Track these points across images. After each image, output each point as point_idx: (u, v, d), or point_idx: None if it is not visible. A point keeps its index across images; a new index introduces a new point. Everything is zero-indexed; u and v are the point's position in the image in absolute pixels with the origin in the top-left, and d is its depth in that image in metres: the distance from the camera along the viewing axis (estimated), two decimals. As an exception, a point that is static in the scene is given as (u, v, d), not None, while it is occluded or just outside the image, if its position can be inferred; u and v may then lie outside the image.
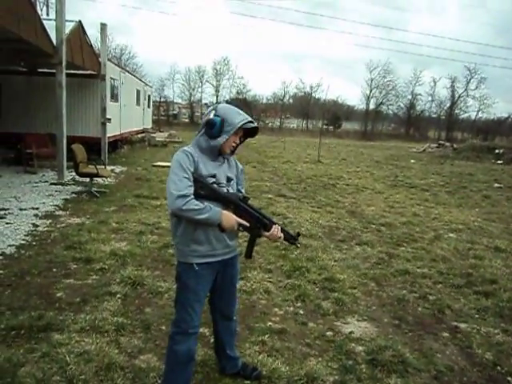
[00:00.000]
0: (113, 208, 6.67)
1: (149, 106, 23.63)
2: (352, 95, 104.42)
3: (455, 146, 26.65)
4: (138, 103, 18.63)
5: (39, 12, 8.71)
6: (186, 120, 46.16)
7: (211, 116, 2.10)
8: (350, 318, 3.44)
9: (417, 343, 3.12)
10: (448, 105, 49.80)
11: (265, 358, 2.72)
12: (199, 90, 48.13)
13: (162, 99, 46.06)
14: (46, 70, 10.95)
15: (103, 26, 11.70)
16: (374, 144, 36.20)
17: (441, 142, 31.23)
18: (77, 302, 3.38)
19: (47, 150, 10.11)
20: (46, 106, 10.88)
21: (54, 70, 8.72)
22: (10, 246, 4.61)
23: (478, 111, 49.19)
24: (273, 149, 21.84)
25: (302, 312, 3.49)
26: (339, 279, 4.14)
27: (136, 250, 4.64)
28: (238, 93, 47.23)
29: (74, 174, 8.25)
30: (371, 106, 50.96)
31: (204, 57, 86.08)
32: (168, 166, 2.10)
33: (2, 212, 5.95)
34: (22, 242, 4.79)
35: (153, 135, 20.67)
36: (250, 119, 2.16)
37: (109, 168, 9.81)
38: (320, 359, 2.80)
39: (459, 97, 49.07)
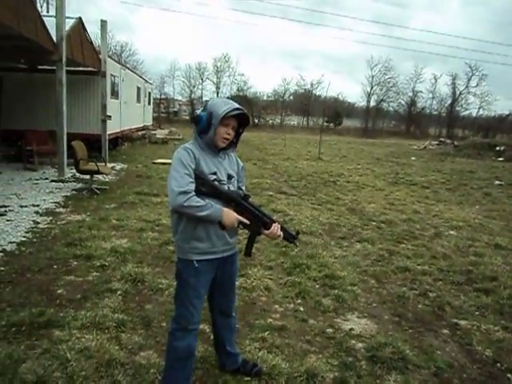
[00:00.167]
0: (113, 205, 6.68)
1: (149, 103, 23.62)
2: (353, 92, 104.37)
3: (456, 143, 26.63)
4: (138, 100, 18.61)
5: (39, 9, 8.68)
6: (187, 117, 46.06)
7: (198, 112, 2.12)
8: (350, 315, 3.45)
9: (417, 340, 3.12)
10: (449, 102, 49.75)
11: (265, 354, 2.73)
12: (200, 87, 48.18)
13: (163, 96, 46.12)
14: (46, 67, 10.91)
15: (103, 23, 11.68)
16: (374, 141, 36.17)
17: (441, 139, 31.19)
18: (77, 298, 3.39)
19: (48, 147, 10.12)
20: (47, 103, 10.86)
21: (54, 67, 8.71)
22: (10, 242, 4.61)
23: (478, 108, 49.18)
24: (273, 146, 21.83)
25: (302, 309, 3.50)
26: (339, 276, 4.14)
27: (136, 246, 4.65)
28: (238, 90, 47.21)
29: (74, 171, 8.25)
30: (372, 103, 50.97)
31: (204, 54, 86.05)
32: (168, 163, 2.10)
33: (3, 209, 5.96)
34: (23, 238, 4.79)
35: (153, 132, 20.69)
36: (235, 107, 2.09)
37: (109, 165, 9.81)
38: (320, 356, 2.81)
39: (460, 94, 49.02)
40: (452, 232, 6.38)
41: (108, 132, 11.94)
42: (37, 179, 8.52)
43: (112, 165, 10.66)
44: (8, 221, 5.42)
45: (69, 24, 9.19)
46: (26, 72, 11.82)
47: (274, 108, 49.59)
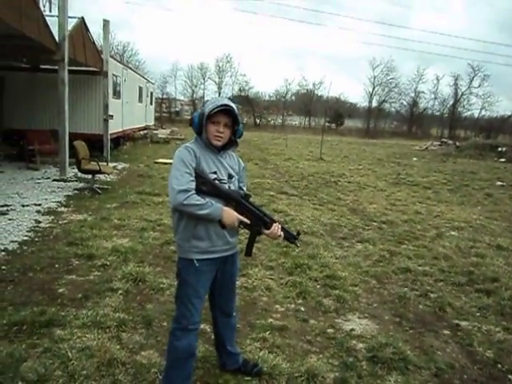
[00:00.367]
0: (115, 204, 6.69)
1: (151, 103, 23.62)
2: (355, 93, 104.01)
3: (458, 143, 26.57)
4: (140, 100, 18.62)
5: (42, 8, 8.70)
6: (189, 117, 45.63)
7: (194, 113, 2.14)
8: (351, 316, 3.45)
9: (417, 341, 3.12)
10: (451, 102, 49.62)
11: (266, 354, 2.73)
12: (201, 87, 48.17)
13: (165, 96, 46.07)
14: (48, 67, 10.95)
15: (106, 23, 11.69)
16: (376, 142, 36.11)
17: (443, 139, 31.11)
18: (79, 297, 3.40)
19: (49, 147, 10.13)
20: (49, 103, 10.89)
21: (56, 67, 8.73)
22: (12, 242, 4.62)
23: (481, 109, 49.06)
24: (275, 146, 21.82)
25: (303, 309, 3.50)
26: (340, 276, 4.14)
27: (138, 246, 4.66)
28: (240, 90, 47.16)
29: (76, 170, 8.26)
30: (374, 104, 50.91)
31: (206, 54, 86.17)
32: (170, 163, 2.10)
33: (5, 208, 5.97)
34: (25, 238, 4.80)
35: (155, 132, 20.69)
36: (221, 103, 2.05)
37: (111, 165, 9.83)
38: (321, 356, 2.81)
39: (462, 94, 48.90)
40: (453, 233, 6.38)
41: (110, 132, 11.95)
42: (39, 178, 8.54)
43: (114, 164, 10.67)
44: (10, 220, 5.43)
45: (71, 24, 9.20)
46: (28, 71, 11.84)
47: (276, 108, 49.57)
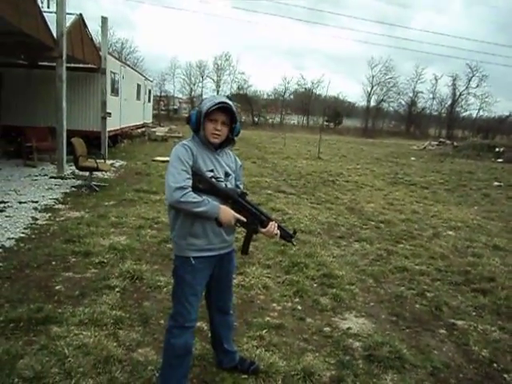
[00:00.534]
0: (112, 202, 6.68)
1: (149, 101, 23.58)
2: (353, 92, 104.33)
3: (455, 144, 26.64)
4: (138, 97, 18.58)
5: (40, 4, 8.64)
6: (187, 115, 45.83)
7: (191, 111, 2.14)
8: (348, 314, 3.46)
9: (414, 340, 3.13)
10: (449, 103, 49.75)
11: (262, 352, 2.73)
12: (200, 84, 48.14)
13: (163, 94, 46.00)
14: (46, 64, 10.90)
15: (104, 20, 11.65)
16: (374, 141, 36.17)
17: (441, 139, 31.20)
18: (76, 295, 3.39)
19: (47, 144, 10.11)
20: (46, 100, 10.83)
21: (54, 64, 8.69)
22: (9, 239, 4.61)
23: (478, 109, 49.14)
24: (273, 145, 21.82)
25: (299, 307, 3.51)
26: (337, 275, 4.15)
27: (135, 244, 4.65)
28: (238, 88, 47.17)
29: (73, 167, 8.24)
30: (372, 103, 50.95)
31: (205, 52, 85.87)
32: (168, 161, 2.10)
33: (2, 205, 5.95)
34: (22, 235, 4.79)
35: (153, 130, 20.67)
36: (219, 101, 2.06)
37: (108, 162, 9.80)
38: (317, 354, 2.82)
39: (460, 95, 49.02)
40: (450, 232, 6.40)
41: (108, 129, 11.92)
42: (36, 175, 8.52)
43: (111, 162, 10.65)
44: (7, 217, 5.42)
45: (69, 20, 9.17)
46: (26, 68, 11.79)
47: (274, 107, 49.58)
